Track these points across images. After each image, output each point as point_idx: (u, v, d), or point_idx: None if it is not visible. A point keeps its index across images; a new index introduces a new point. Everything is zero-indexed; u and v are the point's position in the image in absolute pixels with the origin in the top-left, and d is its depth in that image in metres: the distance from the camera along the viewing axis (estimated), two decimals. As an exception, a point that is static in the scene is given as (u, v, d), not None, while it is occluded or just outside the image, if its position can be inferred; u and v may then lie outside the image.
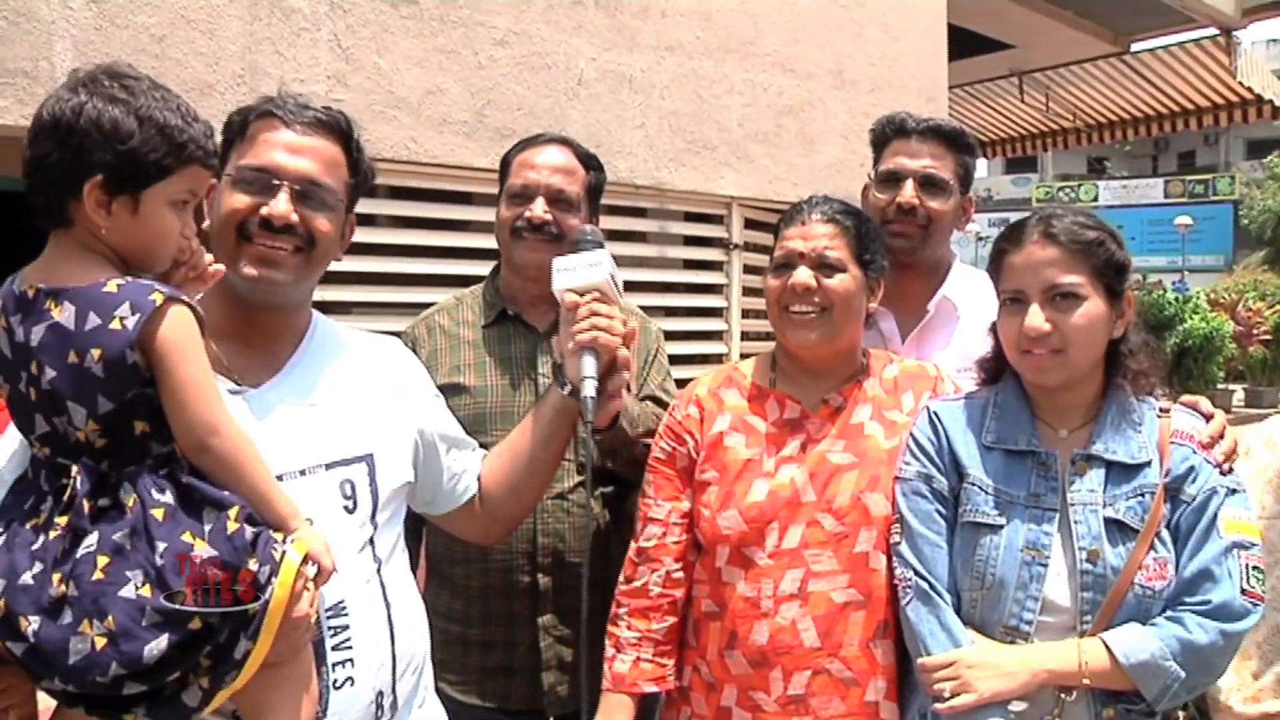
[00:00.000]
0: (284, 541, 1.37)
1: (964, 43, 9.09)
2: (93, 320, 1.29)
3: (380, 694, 1.58)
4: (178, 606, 1.24)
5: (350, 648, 1.54)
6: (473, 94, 5.23)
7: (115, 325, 1.29)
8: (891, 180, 2.37)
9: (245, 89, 4.51)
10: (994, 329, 1.88)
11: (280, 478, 1.48)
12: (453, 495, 1.91)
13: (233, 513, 1.33)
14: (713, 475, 1.94)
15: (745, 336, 6.46)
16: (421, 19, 5.05)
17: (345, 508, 1.60)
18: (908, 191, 2.32)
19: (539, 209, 2.23)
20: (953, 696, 1.68)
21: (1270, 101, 11.22)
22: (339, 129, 1.66)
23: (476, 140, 5.26)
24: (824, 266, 1.89)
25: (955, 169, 2.37)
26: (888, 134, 2.45)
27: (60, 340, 1.30)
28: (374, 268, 4.83)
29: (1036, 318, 1.73)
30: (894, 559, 1.79)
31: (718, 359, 6.23)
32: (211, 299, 1.58)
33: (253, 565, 1.30)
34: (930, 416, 1.86)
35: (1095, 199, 38.09)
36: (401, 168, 5.08)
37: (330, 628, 1.52)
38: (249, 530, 1.33)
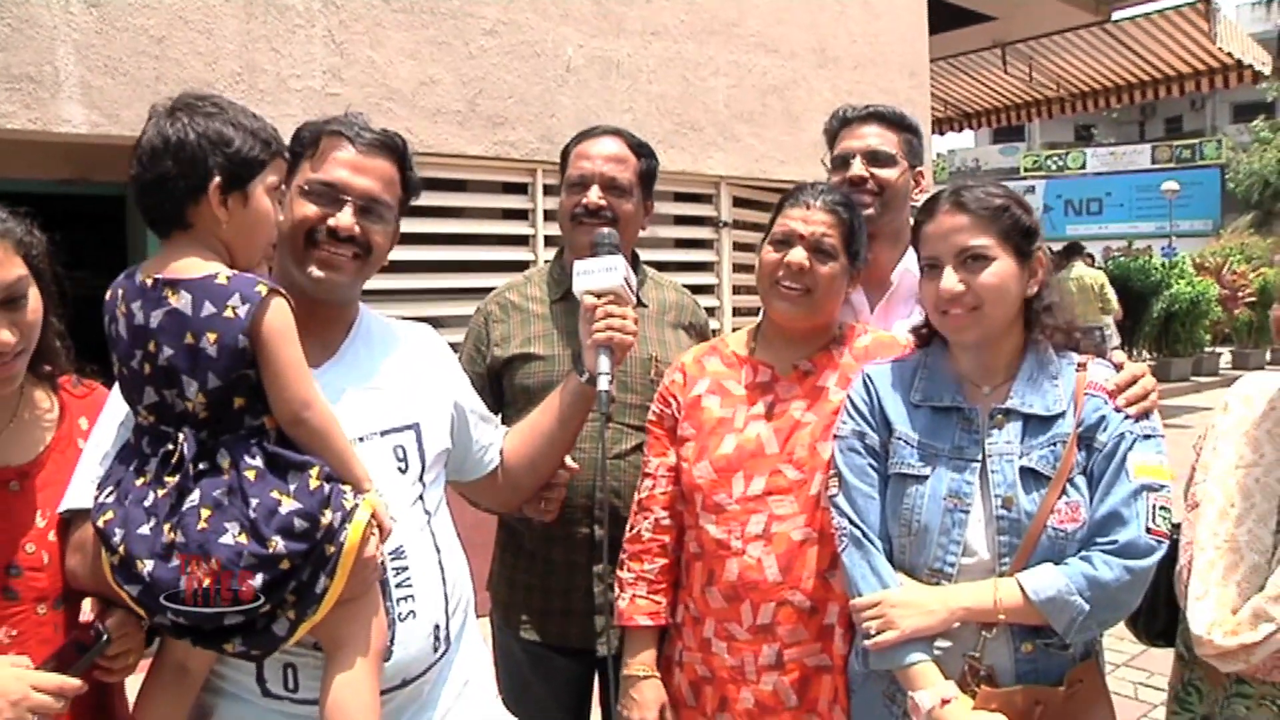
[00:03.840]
0: (354, 496, 1.57)
1: (945, 16, 9.18)
2: (208, 308, 1.47)
3: (437, 626, 1.79)
4: (271, 552, 1.45)
5: (411, 585, 1.73)
6: (464, 84, 5.35)
7: (229, 314, 1.47)
8: (841, 162, 2.58)
9: (244, 86, 4.62)
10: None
11: None
12: (479, 465, 2.09)
13: (314, 472, 1.52)
14: (690, 432, 2.14)
15: (736, 312, 6.59)
16: (412, 12, 5.16)
17: (399, 469, 1.78)
18: (856, 167, 2.53)
19: (594, 195, 2.41)
20: (879, 633, 1.82)
21: (1250, 66, 11.33)
22: (396, 149, 1.85)
23: (469, 129, 5.38)
24: (819, 251, 2.05)
25: (899, 144, 2.57)
26: (836, 128, 2.67)
27: (178, 324, 1.48)
28: (374, 256, 4.93)
29: (950, 279, 1.86)
30: (831, 510, 1.94)
31: (710, 334, 6.37)
32: None
33: (328, 515, 1.50)
34: (864, 379, 2.00)
35: (1083, 166, 38.10)
36: (397, 158, 5.18)
37: (393, 568, 1.70)
38: (326, 486, 1.52)
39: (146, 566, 1.44)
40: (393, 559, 1.71)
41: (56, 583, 1.64)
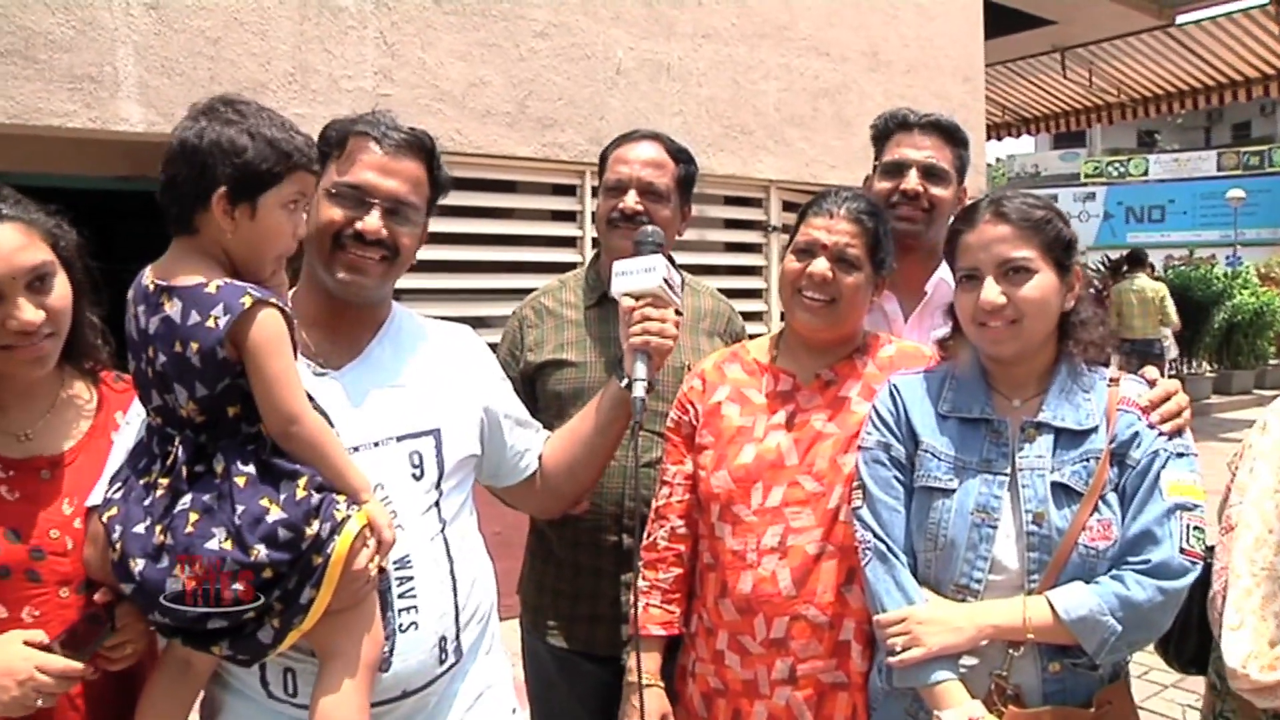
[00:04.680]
0: (347, 507, 1.53)
1: (1003, 20, 9.06)
2: (193, 317, 1.48)
3: (443, 639, 1.74)
4: (253, 560, 1.45)
5: (414, 596, 1.71)
6: (514, 85, 5.38)
7: (210, 324, 1.47)
8: (896, 170, 2.52)
9: (297, 86, 4.69)
10: (949, 309, 1.98)
11: (356, 449, 1.68)
12: (515, 470, 2.06)
13: (302, 482, 1.51)
14: (709, 440, 2.11)
15: (784, 317, 6.55)
16: (464, 14, 5.20)
17: (413, 475, 1.76)
18: (912, 179, 2.47)
19: (630, 200, 2.36)
20: (904, 650, 1.76)
21: (1322, 71, 11.06)
22: (424, 149, 1.84)
23: (518, 130, 5.41)
24: (842, 261, 2.01)
25: (953, 160, 2.53)
26: (890, 128, 2.59)
27: (169, 331, 1.49)
28: (421, 255, 4.98)
29: (991, 291, 1.82)
30: (855, 523, 1.90)
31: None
32: (303, 292, 1.83)
33: (315, 526, 1.48)
34: (891, 389, 1.97)
35: (1145, 173, 37.25)
36: (446, 159, 5.14)
37: (396, 578, 1.68)
38: (315, 496, 1.51)
39: (138, 565, 1.46)
40: (397, 568, 1.70)
41: (79, 568, 1.68)
